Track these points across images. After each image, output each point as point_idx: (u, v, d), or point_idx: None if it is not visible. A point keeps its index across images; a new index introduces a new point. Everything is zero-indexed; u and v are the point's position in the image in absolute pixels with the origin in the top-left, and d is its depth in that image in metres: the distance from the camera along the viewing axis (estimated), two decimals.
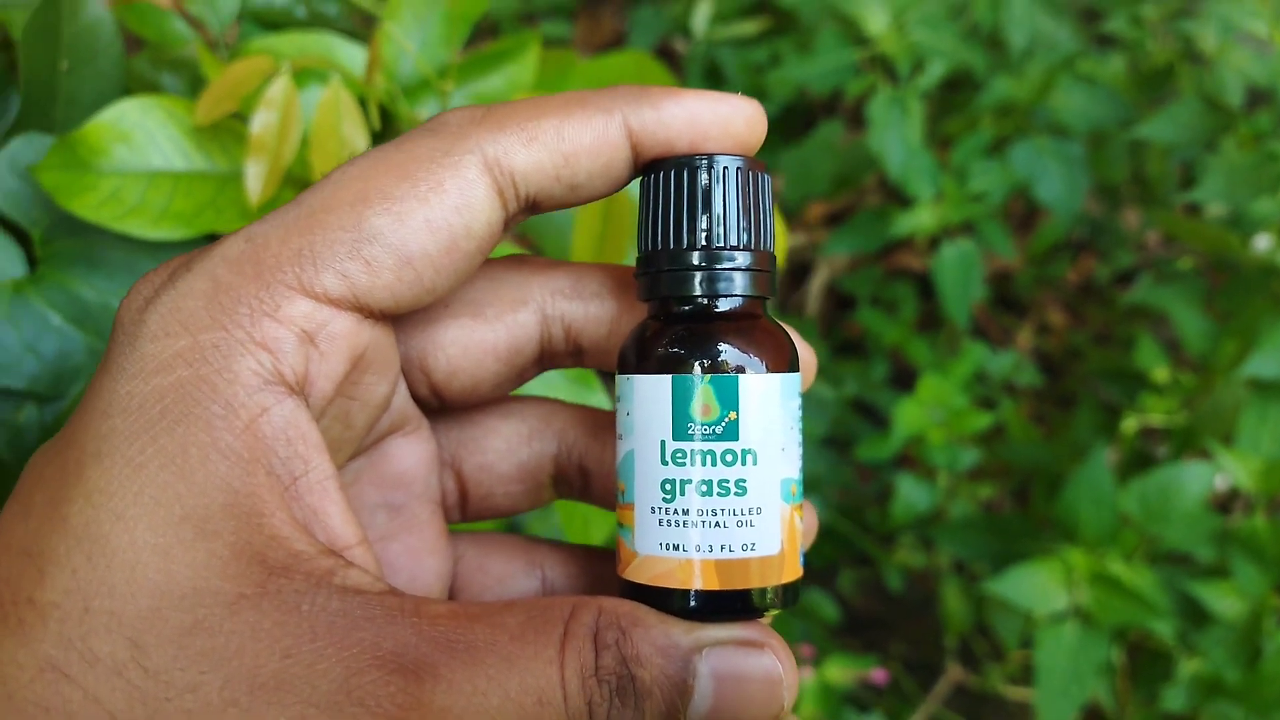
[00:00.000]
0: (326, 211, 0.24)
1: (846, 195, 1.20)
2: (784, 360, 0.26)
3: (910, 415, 0.87)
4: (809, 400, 1.00)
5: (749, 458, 0.25)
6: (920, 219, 0.88)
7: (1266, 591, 0.81)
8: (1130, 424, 0.86)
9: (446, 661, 0.22)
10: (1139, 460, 0.92)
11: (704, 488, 0.25)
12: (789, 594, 0.26)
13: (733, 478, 0.25)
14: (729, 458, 0.25)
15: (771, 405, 0.25)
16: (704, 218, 0.26)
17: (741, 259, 0.26)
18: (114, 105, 0.38)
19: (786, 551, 0.25)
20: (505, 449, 0.31)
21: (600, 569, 0.31)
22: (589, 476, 0.31)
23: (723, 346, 0.25)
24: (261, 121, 0.38)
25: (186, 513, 0.22)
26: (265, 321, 0.23)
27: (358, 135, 0.39)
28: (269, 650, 0.21)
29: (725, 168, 0.26)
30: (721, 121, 0.26)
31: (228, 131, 0.42)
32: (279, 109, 0.38)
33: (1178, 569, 0.86)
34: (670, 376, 0.25)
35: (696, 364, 0.25)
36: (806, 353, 0.29)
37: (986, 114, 0.94)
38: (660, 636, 0.24)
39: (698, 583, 0.25)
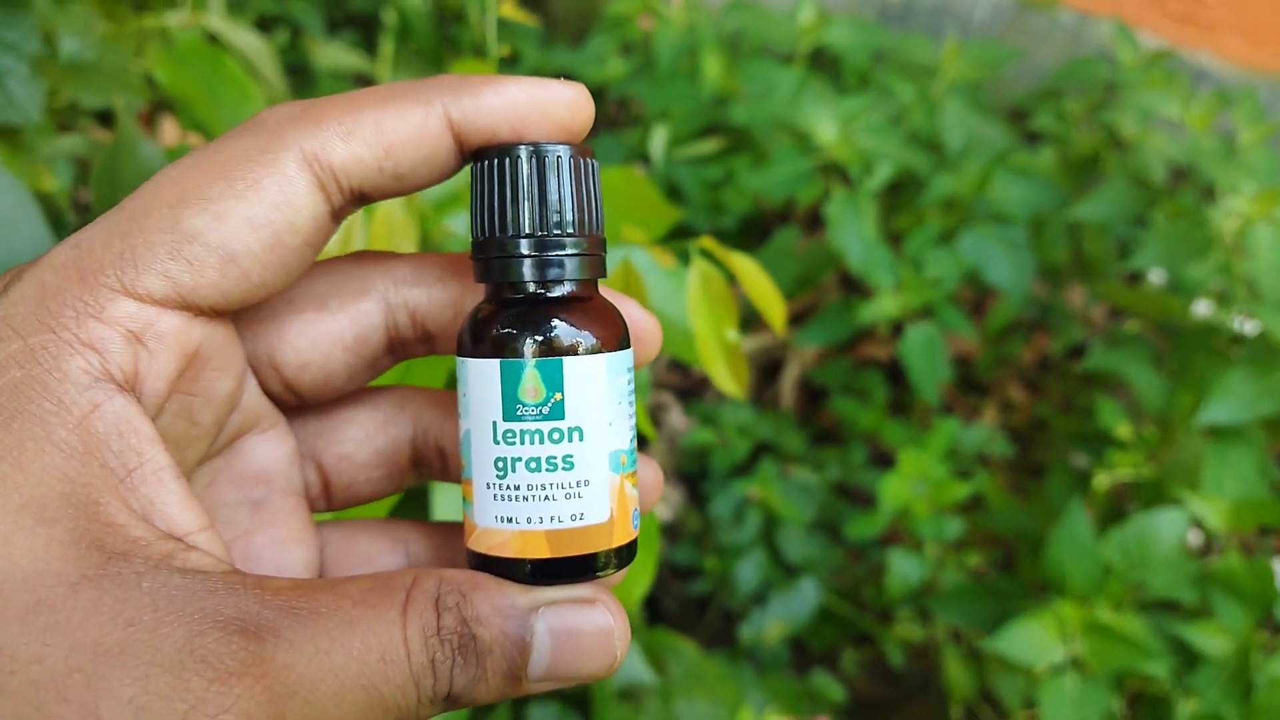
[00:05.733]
0: (145, 215, 0.25)
1: (808, 295, 1.27)
2: (612, 339, 0.27)
3: (894, 490, 0.92)
4: (795, 486, 1.04)
5: (575, 435, 0.26)
6: (883, 306, 0.95)
7: (1250, 627, 0.85)
8: (1101, 480, 0.91)
9: (289, 625, 0.23)
10: (1115, 517, 0.96)
11: (533, 464, 0.26)
12: (621, 555, 0.27)
13: (560, 454, 0.26)
14: (556, 436, 0.26)
15: (597, 384, 0.26)
16: (528, 205, 0.26)
17: (568, 244, 0.26)
18: None
19: (616, 518, 0.27)
20: (362, 437, 0.31)
21: (463, 541, 0.32)
22: (446, 457, 0.32)
23: (549, 331, 0.26)
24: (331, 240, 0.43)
25: (26, 501, 0.22)
26: (90, 323, 0.24)
27: (408, 245, 0.44)
28: (111, 621, 0.22)
29: (546, 155, 0.26)
30: (541, 107, 0.26)
31: None
32: (343, 227, 0.43)
33: (1166, 615, 0.89)
34: (499, 361, 0.26)
35: (524, 348, 0.26)
36: (649, 321, 0.30)
37: (932, 209, 1.02)
38: (498, 598, 0.25)
39: (532, 551, 0.26)
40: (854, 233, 0.95)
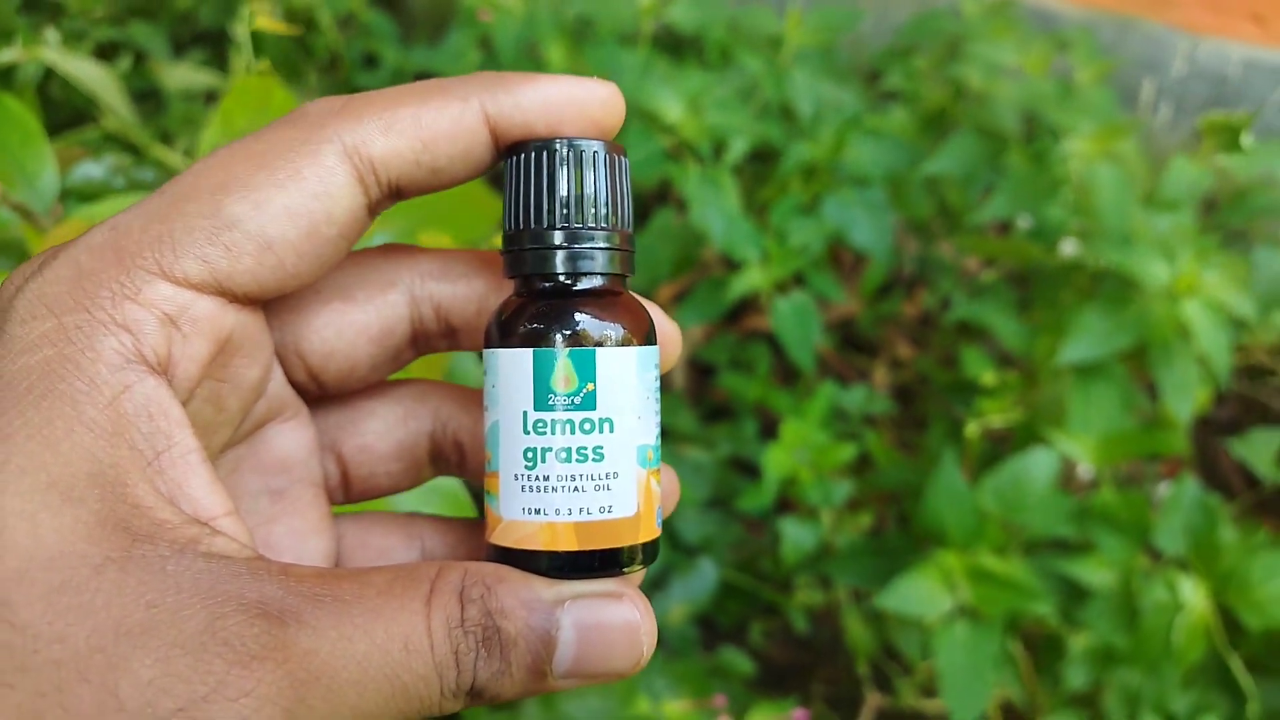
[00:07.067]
0: (186, 200, 0.25)
1: (690, 274, 1.27)
2: (641, 334, 0.27)
3: (777, 460, 0.92)
4: (689, 466, 1.04)
5: (606, 426, 0.26)
6: (751, 279, 0.95)
7: (1130, 556, 0.87)
8: (972, 428, 0.92)
9: (313, 610, 0.23)
10: (994, 462, 0.98)
11: (564, 455, 0.26)
12: (647, 552, 0.27)
13: (591, 445, 0.26)
14: (587, 426, 0.26)
15: (628, 376, 0.27)
16: (562, 198, 0.27)
17: (600, 238, 0.27)
18: None
19: (642, 513, 0.27)
20: (383, 429, 0.32)
21: (479, 539, 0.32)
22: (464, 451, 0.32)
23: (582, 321, 0.27)
24: None
25: (53, 480, 0.22)
26: (126, 304, 0.24)
27: None
28: (134, 602, 0.22)
29: (582, 151, 0.27)
30: (576, 104, 0.27)
31: None
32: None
33: (1054, 555, 0.91)
34: (532, 350, 0.26)
35: (557, 338, 0.26)
36: (671, 328, 0.31)
37: (793, 177, 1.02)
38: (524, 591, 0.25)
39: (559, 544, 0.26)
40: (715, 209, 0.95)
